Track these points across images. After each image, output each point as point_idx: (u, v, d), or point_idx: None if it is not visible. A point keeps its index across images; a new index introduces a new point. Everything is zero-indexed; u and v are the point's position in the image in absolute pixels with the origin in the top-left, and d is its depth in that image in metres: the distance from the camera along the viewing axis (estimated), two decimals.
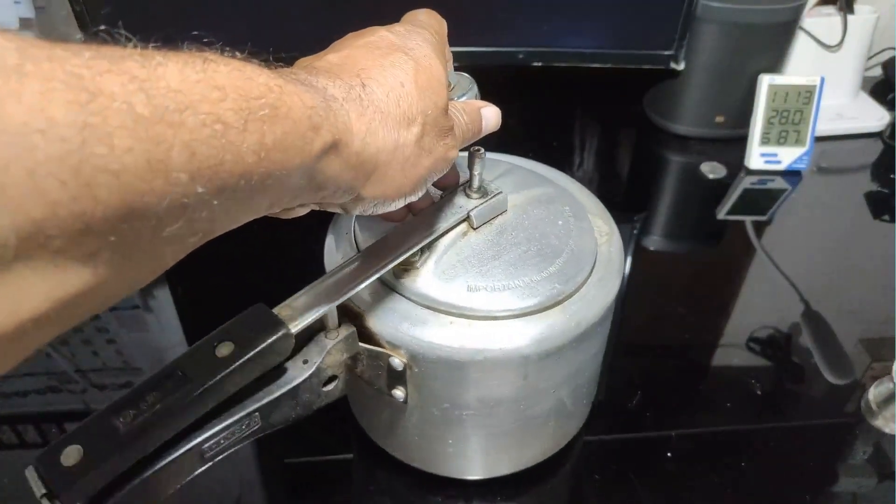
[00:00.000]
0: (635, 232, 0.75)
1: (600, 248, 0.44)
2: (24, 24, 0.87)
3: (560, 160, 0.87)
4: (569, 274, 0.40)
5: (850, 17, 0.88)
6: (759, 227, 0.77)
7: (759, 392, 0.58)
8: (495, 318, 0.39)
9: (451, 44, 0.36)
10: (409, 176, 0.31)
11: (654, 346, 0.63)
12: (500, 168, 0.47)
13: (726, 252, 0.77)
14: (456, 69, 0.38)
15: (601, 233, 0.45)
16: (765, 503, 0.51)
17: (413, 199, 0.33)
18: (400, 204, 0.33)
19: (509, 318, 0.39)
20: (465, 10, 0.77)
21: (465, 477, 0.48)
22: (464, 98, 0.35)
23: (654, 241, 0.76)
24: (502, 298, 0.39)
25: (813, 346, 0.63)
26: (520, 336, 0.38)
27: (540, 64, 0.80)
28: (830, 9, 0.90)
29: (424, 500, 0.49)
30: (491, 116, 0.37)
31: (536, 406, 0.43)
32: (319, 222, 0.47)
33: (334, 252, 0.44)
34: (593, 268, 0.42)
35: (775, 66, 0.84)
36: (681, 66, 0.83)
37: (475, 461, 0.47)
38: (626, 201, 0.82)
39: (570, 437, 0.50)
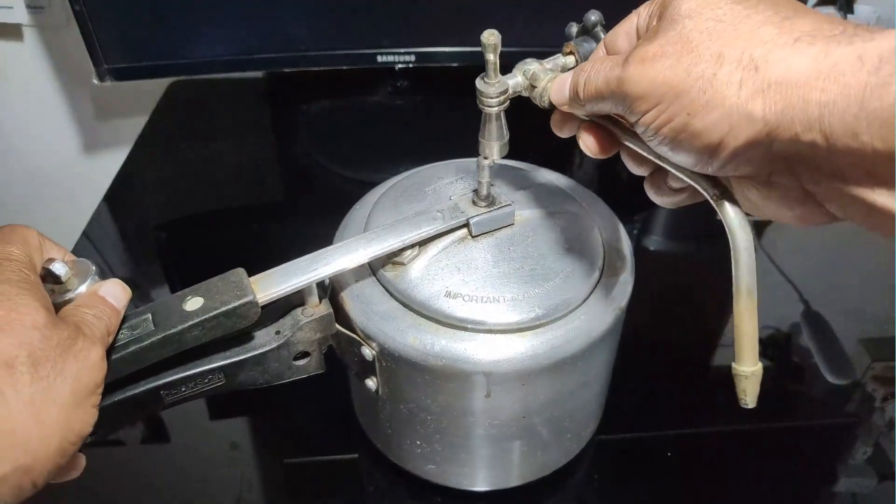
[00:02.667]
0: (635, 232, 0.75)
1: (601, 283, 0.41)
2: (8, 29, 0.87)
3: (560, 160, 0.87)
4: (554, 301, 0.38)
5: (849, 17, 0.88)
6: (759, 227, 0.77)
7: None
8: (464, 328, 0.38)
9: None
10: (53, 419, 0.27)
11: (654, 345, 0.63)
12: (527, 181, 0.46)
13: (726, 252, 0.77)
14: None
15: (610, 266, 0.42)
16: (765, 503, 0.51)
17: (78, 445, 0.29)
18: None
19: (478, 331, 0.38)
20: (465, 11, 0.77)
21: (431, 481, 0.47)
22: (83, 287, 0.32)
23: (654, 241, 0.76)
24: (477, 310, 0.37)
25: (813, 346, 0.63)
26: (484, 351, 0.37)
27: None
28: (830, 9, 0.90)
29: (423, 502, 0.49)
30: (116, 293, 0.33)
31: (504, 428, 0.42)
32: (335, 215, 0.47)
33: (341, 238, 0.44)
34: (584, 301, 0.40)
35: None
36: None
37: (443, 468, 0.46)
38: (626, 201, 0.82)
39: (553, 468, 0.48)
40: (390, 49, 0.78)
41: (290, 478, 0.52)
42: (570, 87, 0.32)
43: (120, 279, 0.34)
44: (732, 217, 0.30)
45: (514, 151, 0.44)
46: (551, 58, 0.37)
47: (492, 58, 0.34)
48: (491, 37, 0.33)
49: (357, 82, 0.93)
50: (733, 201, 0.30)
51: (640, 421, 0.55)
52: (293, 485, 0.52)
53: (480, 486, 0.47)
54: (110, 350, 0.33)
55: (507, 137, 0.38)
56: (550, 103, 0.35)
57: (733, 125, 0.25)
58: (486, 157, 0.39)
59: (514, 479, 0.47)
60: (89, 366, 0.29)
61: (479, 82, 0.36)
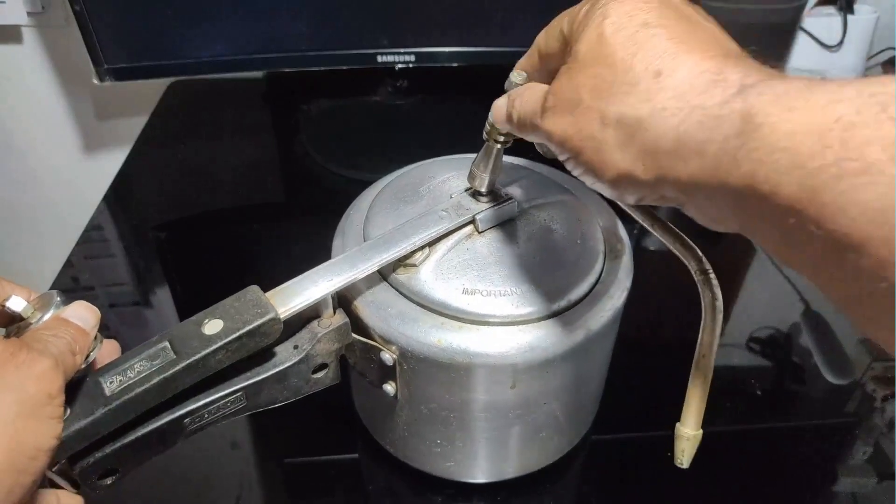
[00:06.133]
0: (635, 232, 0.75)
1: (608, 267, 0.42)
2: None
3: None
4: (568, 288, 0.39)
5: (850, 17, 0.88)
6: None
7: (759, 392, 0.58)
8: (486, 322, 0.38)
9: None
10: None
11: (655, 345, 0.63)
12: (521, 174, 0.46)
13: (726, 252, 0.77)
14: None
15: (613, 250, 0.44)
16: (765, 503, 0.51)
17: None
18: None
19: (500, 324, 0.38)
20: (466, 10, 0.77)
21: (451, 478, 0.47)
22: (47, 316, 0.31)
23: (654, 241, 0.76)
24: (496, 304, 0.38)
25: (813, 346, 0.63)
26: (509, 343, 0.38)
27: None
28: (830, 9, 0.90)
29: (424, 500, 0.49)
30: (80, 314, 0.32)
31: (526, 416, 0.42)
32: (335, 215, 0.47)
33: (341, 245, 0.44)
34: (595, 285, 0.41)
35: (775, 66, 0.84)
36: None
37: (463, 464, 0.46)
38: None
39: (564, 451, 0.49)
40: (390, 49, 0.78)
41: (290, 478, 0.52)
42: (506, 114, 0.33)
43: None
44: (711, 297, 0.31)
45: (513, 150, 0.44)
46: None
47: None
48: (518, 77, 0.34)
49: (357, 82, 0.93)
50: (714, 282, 0.32)
51: (640, 421, 0.55)
52: (293, 485, 0.52)
53: (495, 478, 0.48)
54: (127, 377, 0.31)
55: (498, 174, 0.40)
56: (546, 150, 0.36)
57: (630, 186, 0.26)
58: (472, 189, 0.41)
59: (529, 467, 0.48)
60: (35, 375, 0.27)
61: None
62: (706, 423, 0.56)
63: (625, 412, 0.55)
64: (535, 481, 0.49)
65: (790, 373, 0.61)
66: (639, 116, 0.24)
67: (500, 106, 0.34)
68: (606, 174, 0.27)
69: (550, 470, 0.48)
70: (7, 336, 0.31)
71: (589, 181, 0.28)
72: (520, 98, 0.32)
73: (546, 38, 0.33)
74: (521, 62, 0.35)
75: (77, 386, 0.31)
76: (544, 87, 0.30)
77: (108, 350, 0.34)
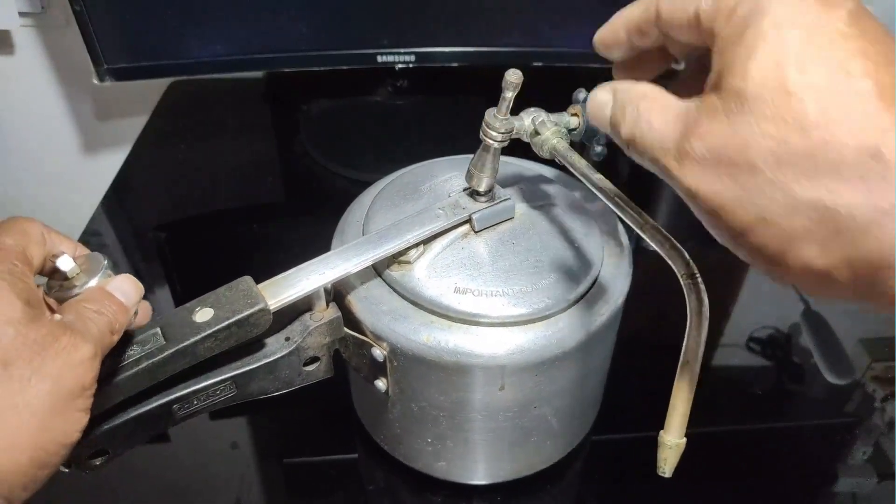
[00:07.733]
0: (635, 235, 0.75)
1: (606, 270, 0.42)
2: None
3: None
4: (562, 290, 0.39)
5: None
6: None
7: (759, 392, 0.58)
8: (477, 322, 0.38)
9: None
10: (24, 426, 0.24)
11: (654, 346, 0.63)
12: (520, 174, 0.46)
13: (726, 252, 0.77)
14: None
15: (610, 254, 0.43)
16: (765, 503, 0.51)
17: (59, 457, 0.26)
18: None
19: (490, 324, 0.38)
20: (464, 11, 0.77)
21: (444, 478, 0.47)
22: (93, 282, 0.31)
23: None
24: (487, 304, 0.38)
25: (813, 346, 0.63)
26: (498, 344, 0.38)
27: (540, 64, 0.80)
28: None
29: (423, 500, 0.49)
30: (125, 288, 0.31)
31: (516, 420, 0.42)
32: (335, 215, 0.47)
33: (340, 244, 0.44)
34: (590, 288, 0.41)
35: None
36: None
37: (455, 464, 0.46)
38: None
39: (561, 455, 0.49)
40: (390, 49, 0.78)
41: (290, 478, 0.52)
42: (611, 121, 0.27)
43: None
44: (697, 304, 0.31)
45: (513, 151, 0.44)
46: (559, 113, 0.39)
47: (509, 96, 0.35)
48: (514, 76, 0.33)
49: (357, 82, 0.93)
50: (701, 287, 0.31)
51: (639, 421, 0.55)
52: (293, 485, 0.52)
53: (488, 480, 0.47)
54: (118, 360, 0.32)
55: (496, 174, 0.39)
56: (549, 152, 0.37)
57: (823, 287, 0.21)
58: (470, 189, 0.41)
59: (522, 471, 0.48)
60: (74, 364, 0.26)
61: (488, 114, 0.36)
62: (707, 423, 0.56)
63: (625, 413, 0.55)
64: (534, 483, 0.49)
65: (790, 373, 0.61)
66: (853, 215, 0.19)
67: (602, 102, 0.28)
68: (789, 268, 0.21)
69: (550, 471, 0.48)
70: (48, 291, 0.31)
71: (755, 264, 0.22)
72: (643, 116, 0.25)
73: (672, 6, 0.25)
74: (617, 22, 0.28)
75: None
76: (678, 106, 0.23)
77: (143, 314, 0.33)
